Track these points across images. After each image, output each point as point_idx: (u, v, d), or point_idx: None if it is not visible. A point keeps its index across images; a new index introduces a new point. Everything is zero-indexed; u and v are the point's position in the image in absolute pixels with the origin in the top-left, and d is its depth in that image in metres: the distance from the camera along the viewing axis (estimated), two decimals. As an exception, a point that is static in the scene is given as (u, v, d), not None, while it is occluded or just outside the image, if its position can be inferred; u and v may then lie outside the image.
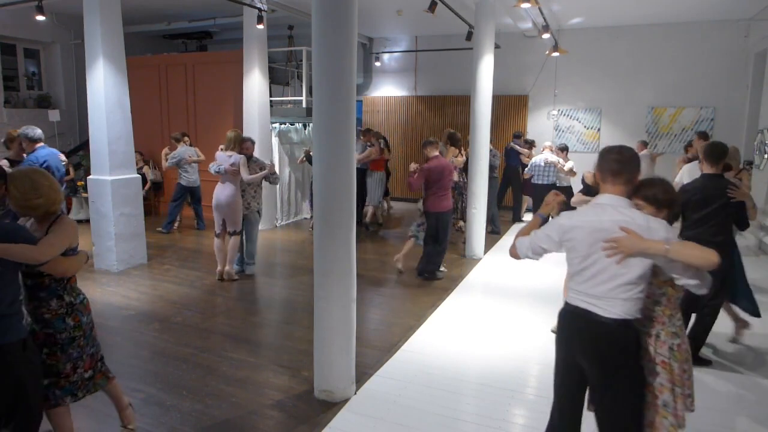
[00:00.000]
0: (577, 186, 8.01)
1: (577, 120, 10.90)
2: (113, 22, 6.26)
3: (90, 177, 6.59)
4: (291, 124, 9.72)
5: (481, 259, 7.36)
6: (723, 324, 4.45)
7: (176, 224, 8.78)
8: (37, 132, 5.54)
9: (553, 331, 4.67)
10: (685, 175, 7.15)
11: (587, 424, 2.52)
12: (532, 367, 4.21)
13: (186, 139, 8.55)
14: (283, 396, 3.68)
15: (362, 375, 3.89)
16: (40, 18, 7.65)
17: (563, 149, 8.45)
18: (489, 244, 7.88)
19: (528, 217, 9.93)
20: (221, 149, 6.12)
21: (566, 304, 2.44)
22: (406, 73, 12.22)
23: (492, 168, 8.40)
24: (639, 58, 10.19)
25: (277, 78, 10.72)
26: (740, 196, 3.93)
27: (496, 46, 7.58)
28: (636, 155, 2.37)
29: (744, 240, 8.07)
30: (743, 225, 4.02)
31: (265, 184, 6.51)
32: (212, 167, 6.04)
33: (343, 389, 3.61)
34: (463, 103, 10.93)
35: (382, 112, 12.53)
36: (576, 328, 2.37)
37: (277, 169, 6.67)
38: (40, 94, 10.43)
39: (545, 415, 3.45)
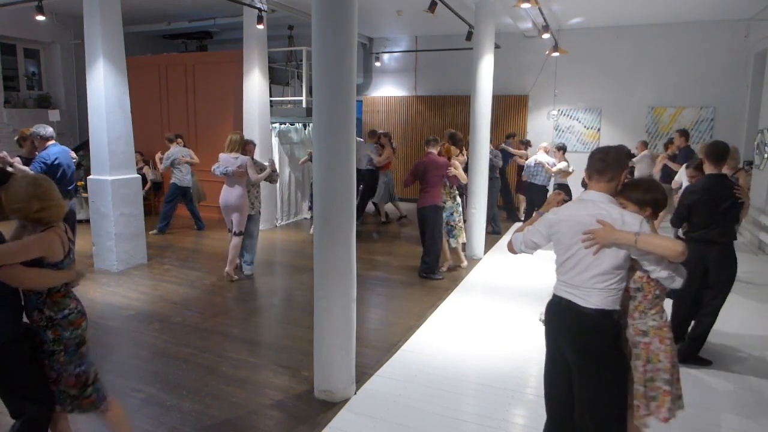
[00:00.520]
0: (576, 186, 8.02)
1: (577, 120, 10.90)
2: (113, 22, 6.26)
3: (90, 177, 6.59)
4: (291, 124, 9.72)
5: (481, 259, 7.36)
6: (723, 324, 4.45)
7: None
8: (49, 130, 5.69)
9: (540, 320, 4.67)
10: (683, 174, 7.16)
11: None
12: (532, 367, 4.21)
13: (179, 140, 8.57)
14: (283, 396, 3.68)
15: (362, 375, 3.89)
16: (40, 18, 7.66)
17: (560, 149, 8.44)
18: (489, 244, 7.88)
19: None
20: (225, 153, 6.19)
21: (552, 295, 2.57)
22: (406, 73, 12.22)
23: (493, 168, 8.40)
24: (639, 58, 10.19)
25: (277, 78, 10.72)
26: (745, 197, 3.95)
27: (496, 46, 7.58)
28: (621, 156, 2.49)
29: (740, 237, 8.08)
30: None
31: (263, 184, 6.54)
32: (218, 169, 6.06)
33: (343, 389, 3.61)
34: (463, 103, 10.93)
35: (382, 112, 12.53)
36: (558, 317, 2.51)
37: (276, 168, 6.76)
38: (40, 94, 10.44)
39: (545, 415, 3.46)
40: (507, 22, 9.44)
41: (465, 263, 6.88)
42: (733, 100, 9.61)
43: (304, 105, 9.58)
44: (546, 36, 8.41)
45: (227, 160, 6.06)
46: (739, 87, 9.52)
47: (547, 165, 8.20)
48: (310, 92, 9.18)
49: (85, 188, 7.48)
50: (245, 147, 6.20)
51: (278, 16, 9.03)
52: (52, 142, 5.68)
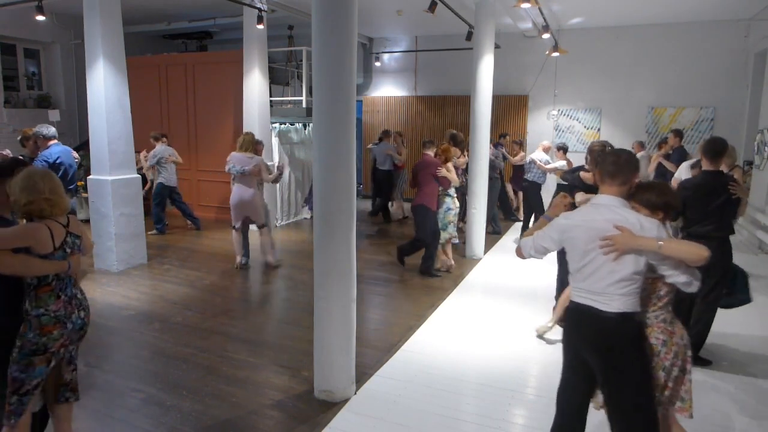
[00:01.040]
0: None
1: (577, 120, 10.90)
2: (113, 22, 6.26)
3: (90, 177, 6.59)
4: (291, 124, 9.72)
5: (481, 259, 7.35)
6: (723, 324, 4.45)
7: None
8: (51, 130, 5.75)
9: (539, 336, 4.68)
10: (683, 171, 7.16)
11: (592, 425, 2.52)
12: (532, 367, 4.22)
13: (164, 139, 8.55)
14: (283, 396, 3.68)
15: (362, 375, 3.89)
16: (40, 18, 7.65)
17: (560, 149, 8.44)
18: (489, 244, 7.88)
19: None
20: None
21: (571, 301, 2.53)
22: (406, 73, 12.22)
23: (494, 169, 8.39)
24: (639, 58, 10.19)
25: (277, 78, 10.72)
26: (741, 193, 3.94)
27: (496, 46, 7.58)
28: (633, 159, 2.48)
29: (738, 235, 8.07)
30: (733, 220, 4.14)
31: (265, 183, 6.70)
32: (234, 168, 6.25)
33: (343, 389, 3.61)
34: (463, 103, 10.93)
35: (382, 112, 12.53)
36: (579, 323, 2.47)
37: (285, 171, 6.96)
38: (40, 94, 10.43)
39: (545, 415, 3.45)
40: (507, 22, 9.44)
41: (451, 263, 6.75)
42: (733, 100, 9.61)
43: (304, 105, 9.58)
44: (546, 36, 8.41)
45: (242, 159, 6.24)
46: (739, 87, 9.52)
47: (539, 162, 8.18)
48: (310, 92, 9.18)
49: (85, 188, 7.47)
50: (256, 147, 6.49)
51: (278, 16, 9.03)
52: (55, 141, 5.73)
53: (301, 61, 9.72)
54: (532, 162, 8.28)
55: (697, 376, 3.97)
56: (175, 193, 8.66)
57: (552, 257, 6.67)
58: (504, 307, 5.50)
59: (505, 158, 9.65)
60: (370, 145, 10.74)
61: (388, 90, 12.50)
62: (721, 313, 4.19)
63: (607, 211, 2.38)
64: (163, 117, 10.07)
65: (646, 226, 2.31)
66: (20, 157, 3.37)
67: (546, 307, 5.30)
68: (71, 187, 5.83)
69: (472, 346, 4.52)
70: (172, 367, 4.07)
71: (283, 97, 10.31)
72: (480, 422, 3.36)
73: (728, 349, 4.47)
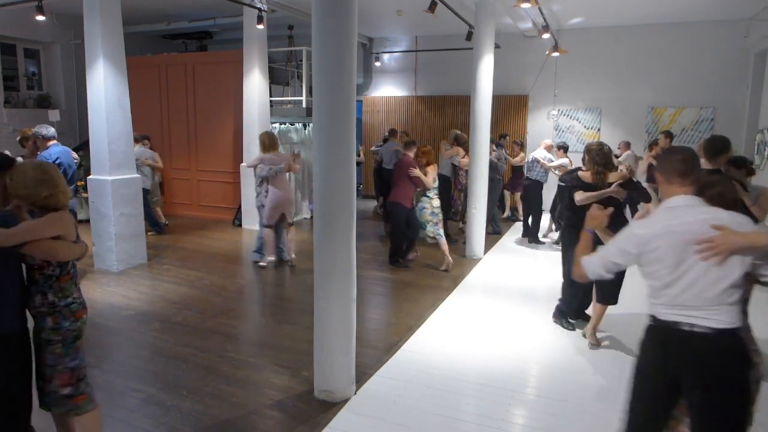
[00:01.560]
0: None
1: (577, 120, 10.90)
2: (113, 22, 6.26)
3: (90, 177, 6.59)
4: (291, 124, 9.72)
5: (481, 259, 7.35)
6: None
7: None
8: (51, 130, 5.73)
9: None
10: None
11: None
12: (532, 367, 4.22)
13: (146, 141, 8.47)
14: (283, 396, 3.68)
15: (362, 375, 3.89)
16: (40, 18, 7.65)
17: (561, 148, 8.44)
18: (489, 244, 7.88)
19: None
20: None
21: (654, 319, 2.23)
22: (406, 73, 12.22)
23: (497, 170, 8.38)
24: (639, 58, 10.18)
25: (277, 78, 10.72)
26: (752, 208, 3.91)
27: (496, 46, 7.58)
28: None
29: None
30: None
31: (250, 182, 6.90)
32: (271, 169, 6.33)
33: (343, 389, 3.61)
34: (463, 103, 10.93)
35: (382, 112, 12.53)
36: (674, 346, 2.15)
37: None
38: (40, 94, 10.43)
39: (545, 415, 3.46)
40: (507, 22, 9.43)
41: (417, 254, 7.14)
42: (733, 100, 9.61)
43: (304, 105, 9.58)
44: (546, 36, 8.41)
45: (274, 159, 6.38)
46: (739, 87, 9.52)
47: (542, 161, 8.19)
48: (310, 92, 9.18)
49: (85, 188, 7.47)
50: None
51: (278, 16, 9.03)
52: (54, 142, 5.72)
53: (301, 61, 9.72)
54: (536, 161, 8.28)
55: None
56: (145, 197, 8.20)
57: (554, 258, 6.67)
58: (504, 307, 5.50)
59: (505, 159, 9.66)
60: (373, 147, 10.74)
61: (388, 90, 12.49)
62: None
63: (693, 211, 2.13)
64: (163, 117, 10.07)
65: (740, 221, 2.07)
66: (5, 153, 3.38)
67: (545, 308, 5.31)
68: (71, 187, 5.83)
69: (472, 346, 4.52)
70: (172, 367, 4.07)
71: (283, 97, 10.31)
72: (480, 422, 3.36)
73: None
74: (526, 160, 9.11)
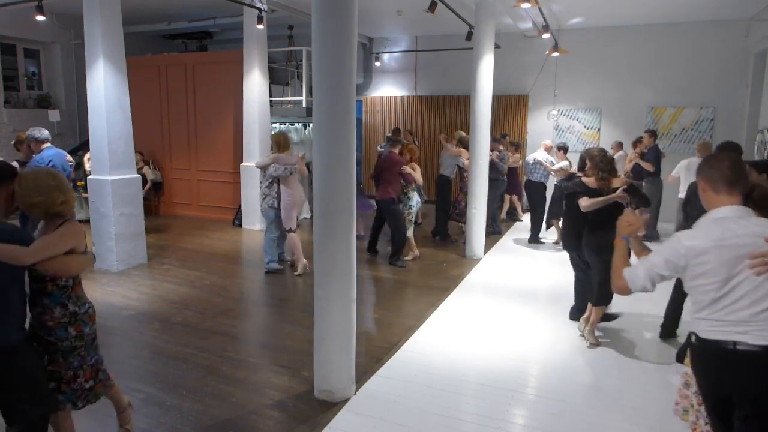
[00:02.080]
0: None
1: (577, 120, 10.90)
2: (113, 22, 6.26)
3: (90, 177, 6.59)
4: (291, 124, 9.71)
5: (481, 259, 7.35)
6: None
7: None
8: (44, 133, 5.65)
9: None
10: (682, 169, 7.17)
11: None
12: (532, 367, 4.22)
13: None
14: (283, 396, 3.68)
15: (362, 375, 3.89)
16: (40, 18, 7.65)
17: (561, 148, 8.43)
18: (489, 244, 7.88)
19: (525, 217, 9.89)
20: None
21: (696, 338, 2.15)
22: (406, 73, 12.22)
23: (498, 170, 8.36)
24: (639, 58, 10.18)
25: (277, 78, 10.72)
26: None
27: (496, 46, 7.58)
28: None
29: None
30: None
31: (257, 182, 6.76)
32: (287, 168, 6.19)
33: (343, 389, 3.61)
34: (463, 103, 10.93)
35: (382, 112, 12.53)
36: (722, 364, 2.08)
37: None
38: (40, 94, 10.43)
39: (545, 415, 3.46)
40: (507, 22, 9.43)
41: (418, 253, 7.32)
42: (733, 100, 9.61)
43: (304, 105, 9.58)
44: (546, 36, 8.41)
45: (288, 159, 6.23)
46: (739, 87, 9.52)
47: (545, 163, 8.19)
48: (310, 92, 9.18)
49: (85, 188, 7.47)
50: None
51: (278, 16, 9.03)
52: (48, 145, 5.62)
53: (301, 61, 9.73)
54: (538, 163, 8.27)
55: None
56: None
57: (553, 258, 6.66)
58: (504, 307, 5.50)
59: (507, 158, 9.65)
60: (379, 147, 10.72)
61: (388, 90, 12.49)
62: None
63: (743, 223, 2.05)
64: (163, 117, 10.07)
65: None
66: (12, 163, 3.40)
67: (545, 308, 5.30)
68: None
69: (472, 346, 4.52)
70: (172, 367, 4.07)
71: (283, 97, 10.32)
72: (480, 422, 3.36)
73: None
74: (521, 162, 9.09)
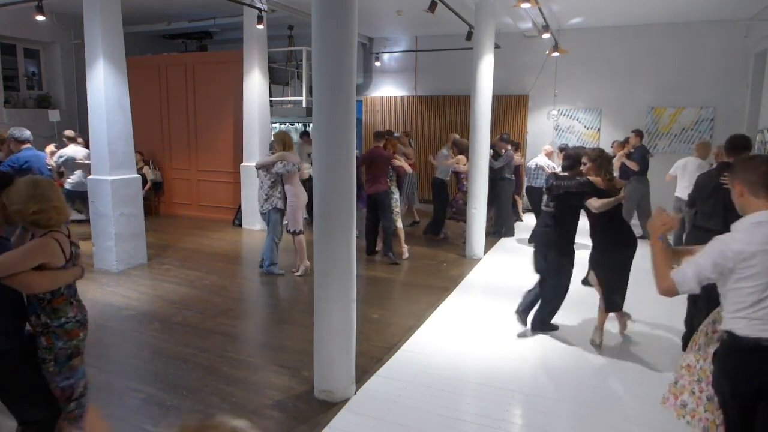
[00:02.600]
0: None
1: (577, 120, 10.90)
2: (113, 22, 6.26)
3: (90, 177, 6.59)
4: (291, 124, 9.71)
5: (481, 259, 7.35)
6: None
7: None
8: (25, 133, 5.57)
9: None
10: (678, 168, 7.18)
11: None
12: (532, 367, 4.21)
13: (80, 140, 7.91)
14: (283, 396, 3.68)
15: (362, 375, 3.89)
16: (40, 18, 7.64)
17: (561, 150, 8.41)
18: (489, 244, 7.88)
19: (528, 217, 9.89)
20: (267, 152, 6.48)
21: (733, 335, 2.20)
22: (406, 73, 12.21)
23: (507, 169, 8.36)
24: (639, 58, 10.18)
25: (277, 78, 10.72)
26: None
27: (496, 46, 7.58)
28: None
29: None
30: None
31: (257, 182, 6.65)
32: (294, 165, 6.16)
33: (343, 389, 3.61)
34: (463, 103, 10.92)
35: (382, 112, 12.53)
36: (758, 357, 2.14)
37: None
38: (40, 94, 10.43)
39: (545, 415, 3.46)
40: (507, 22, 9.43)
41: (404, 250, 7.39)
42: (733, 100, 9.61)
43: (304, 105, 9.58)
44: (546, 36, 8.41)
45: (293, 158, 6.19)
46: (739, 87, 9.52)
47: (547, 169, 8.18)
48: (310, 92, 9.18)
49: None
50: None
51: (278, 16, 9.03)
52: (27, 145, 5.55)
53: (301, 61, 9.73)
54: (540, 168, 8.26)
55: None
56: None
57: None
58: (504, 307, 5.50)
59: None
60: None
61: (388, 90, 12.49)
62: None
63: None
64: (163, 117, 10.07)
65: None
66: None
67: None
68: None
69: (472, 346, 4.52)
70: (172, 367, 4.07)
71: (283, 97, 10.31)
72: (480, 422, 3.36)
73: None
74: (523, 160, 9.07)
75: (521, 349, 4.48)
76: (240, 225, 9.16)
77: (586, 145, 10.66)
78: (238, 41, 9.02)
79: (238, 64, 8.86)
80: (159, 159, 10.25)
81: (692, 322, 4.41)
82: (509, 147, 8.54)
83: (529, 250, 8.09)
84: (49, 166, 5.84)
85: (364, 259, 7.09)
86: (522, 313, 4.86)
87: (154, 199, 10.19)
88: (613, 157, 8.43)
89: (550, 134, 10.99)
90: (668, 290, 2.27)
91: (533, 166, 8.42)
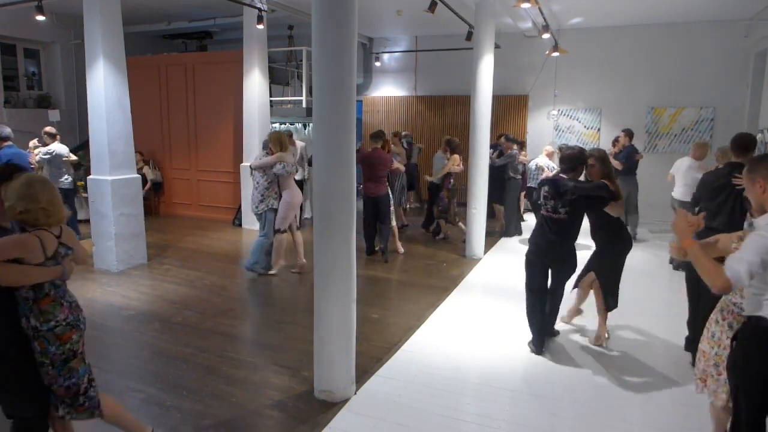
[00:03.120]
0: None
1: (577, 120, 10.90)
2: (113, 22, 6.26)
3: (90, 177, 6.59)
4: (291, 124, 9.71)
5: (481, 259, 7.35)
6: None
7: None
8: (5, 131, 5.60)
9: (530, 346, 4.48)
10: (676, 168, 7.18)
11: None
12: (532, 367, 4.21)
13: (58, 137, 7.76)
14: (283, 396, 3.68)
15: (362, 375, 3.89)
16: (40, 18, 7.64)
17: (562, 149, 8.41)
18: (489, 244, 7.88)
19: (529, 216, 9.88)
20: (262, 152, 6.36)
21: (764, 319, 2.31)
22: (406, 73, 12.21)
23: (512, 169, 8.36)
24: (639, 58, 10.18)
25: (277, 78, 10.72)
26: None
27: (496, 46, 7.58)
28: None
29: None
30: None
31: (250, 182, 6.68)
32: (294, 166, 6.25)
33: (343, 389, 3.61)
34: (463, 103, 10.93)
35: (382, 112, 12.53)
36: None
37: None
38: (40, 94, 10.43)
39: (545, 415, 3.46)
40: (507, 22, 9.44)
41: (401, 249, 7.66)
42: (733, 100, 9.61)
43: (304, 105, 9.58)
44: (546, 36, 8.40)
45: (290, 158, 6.21)
46: (739, 87, 9.52)
47: (546, 170, 8.17)
48: (310, 92, 9.18)
49: (85, 188, 7.47)
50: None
51: (278, 16, 9.03)
52: (8, 143, 5.57)
53: (301, 61, 9.72)
54: (540, 169, 8.25)
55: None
56: (74, 197, 7.78)
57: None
58: (504, 307, 5.50)
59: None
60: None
61: (388, 90, 12.49)
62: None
63: None
64: (163, 117, 10.07)
65: None
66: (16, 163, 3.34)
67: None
68: None
69: (472, 346, 4.52)
70: (172, 367, 4.07)
71: (283, 97, 10.31)
72: (480, 422, 3.36)
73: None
74: (526, 158, 9.07)
75: (521, 349, 4.47)
76: (240, 225, 9.16)
77: (586, 146, 10.68)
78: (238, 41, 9.02)
79: (238, 64, 8.86)
80: (159, 159, 10.25)
81: (695, 323, 4.39)
82: (515, 147, 8.54)
83: (529, 250, 8.16)
84: (32, 165, 5.81)
85: (364, 259, 7.09)
86: (537, 344, 4.42)
87: (154, 199, 10.19)
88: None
89: (550, 134, 10.99)
90: (724, 288, 2.32)
91: (534, 167, 8.42)
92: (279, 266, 6.48)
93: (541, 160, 8.36)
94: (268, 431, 3.29)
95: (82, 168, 9.82)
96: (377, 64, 12.30)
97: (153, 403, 3.57)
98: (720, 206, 4.11)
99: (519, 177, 8.62)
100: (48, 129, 7.64)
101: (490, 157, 8.28)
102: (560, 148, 8.42)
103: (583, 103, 10.80)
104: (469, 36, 8.22)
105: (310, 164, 6.88)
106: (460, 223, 8.35)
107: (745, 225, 4.03)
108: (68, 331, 2.52)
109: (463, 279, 6.45)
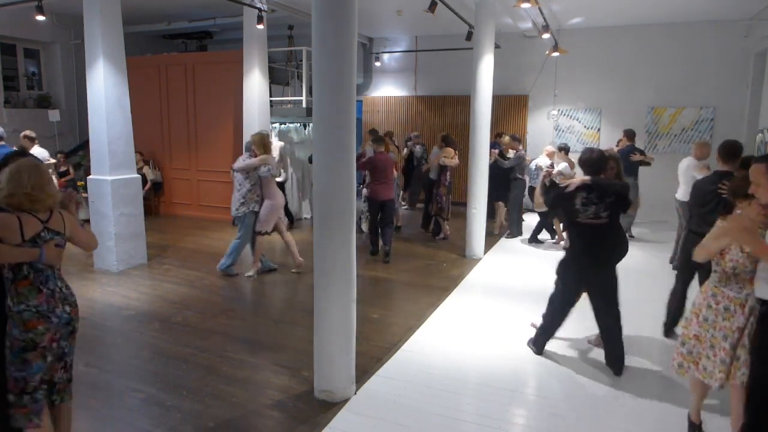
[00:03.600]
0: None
1: (577, 120, 10.90)
2: (113, 22, 6.27)
3: (90, 177, 6.60)
4: (291, 124, 9.71)
5: (481, 259, 7.35)
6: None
7: None
8: None
9: (533, 326, 4.62)
10: (679, 168, 7.17)
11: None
12: (532, 367, 4.21)
13: (37, 141, 7.76)
14: (283, 396, 3.68)
15: (362, 375, 3.89)
16: (40, 18, 7.64)
17: (562, 149, 8.39)
18: (489, 244, 7.88)
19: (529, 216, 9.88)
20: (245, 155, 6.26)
21: None
22: (406, 73, 12.22)
23: (518, 170, 8.36)
24: (639, 58, 10.19)
25: (277, 78, 10.72)
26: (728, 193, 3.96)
27: (496, 46, 7.58)
28: None
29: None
30: None
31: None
32: (273, 169, 6.21)
33: (343, 389, 3.61)
34: (463, 103, 10.93)
35: (382, 112, 12.53)
36: None
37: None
38: (40, 94, 10.43)
39: (545, 415, 3.46)
40: (507, 22, 9.44)
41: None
42: (733, 100, 9.61)
43: (304, 105, 9.58)
44: (546, 36, 8.41)
45: (273, 161, 6.22)
46: (739, 87, 9.52)
47: (546, 169, 8.12)
48: (310, 92, 9.18)
49: (85, 188, 7.47)
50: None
51: (278, 16, 9.04)
52: (1, 143, 5.57)
53: (301, 61, 9.72)
54: (540, 169, 8.23)
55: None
56: None
57: (553, 257, 6.64)
58: (504, 307, 5.50)
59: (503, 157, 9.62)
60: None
61: (388, 90, 12.49)
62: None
63: None
64: (163, 117, 10.07)
65: None
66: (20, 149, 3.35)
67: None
68: None
69: (472, 346, 4.52)
70: (172, 367, 4.07)
71: (283, 97, 10.32)
72: (480, 422, 3.36)
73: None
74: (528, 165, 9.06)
75: (521, 349, 4.48)
76: (240, 225, 9.15)
77: (586, 146, 10.64)
78: (238, 41, 9.02)
79: (238, 64, 8.86)
80: (159, 159, 10.25)
81: (679, 303, 4.62)
82: (521, 147, 8.54)
83: (530, 250, 8.20)
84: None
85: (364, 259, 7.09)
86: (539, 345, 4.38)
87: (154, 199, 10.19)
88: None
89: (550, 134, 10.99)
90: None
91: (534, 167, 8.42)
92: (256, 268, 6.45)
93: (542, 160, 8.34)
94: (268, 431, 3.29)
95: (82, 168, 9.84)
96: (377, 64, 12.30)
97: (153, 403, 3.57)
98: (710, 212, 4.13)
99: (524, 177, 8.62)
100: (27, 133, 7.61)
101: (498, 159, 8.29)
102: (560, 148, 8.40)
103: (583, 103, 10.80)
104: (469, 36, 8.22)
105: (310, 162, 6.91)
106: (446, 224, 8.37)
107: None
108: (35, 319, 2.46)
109: (463, 279, 6.45)
